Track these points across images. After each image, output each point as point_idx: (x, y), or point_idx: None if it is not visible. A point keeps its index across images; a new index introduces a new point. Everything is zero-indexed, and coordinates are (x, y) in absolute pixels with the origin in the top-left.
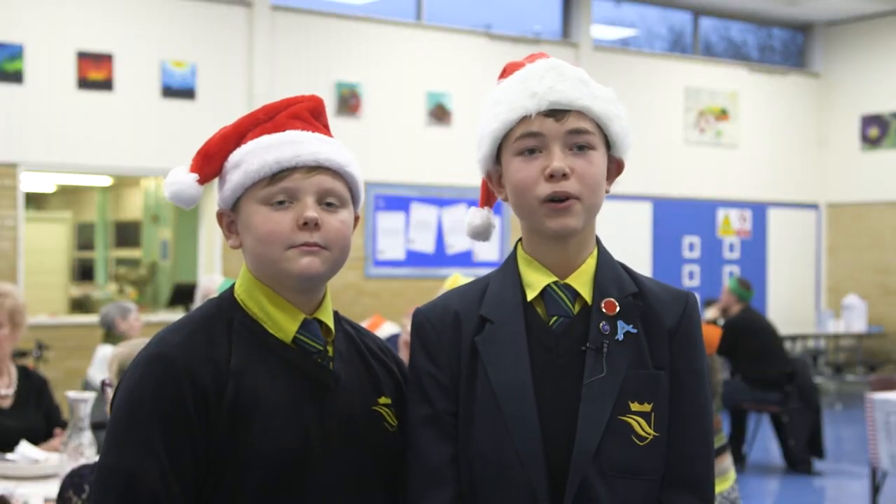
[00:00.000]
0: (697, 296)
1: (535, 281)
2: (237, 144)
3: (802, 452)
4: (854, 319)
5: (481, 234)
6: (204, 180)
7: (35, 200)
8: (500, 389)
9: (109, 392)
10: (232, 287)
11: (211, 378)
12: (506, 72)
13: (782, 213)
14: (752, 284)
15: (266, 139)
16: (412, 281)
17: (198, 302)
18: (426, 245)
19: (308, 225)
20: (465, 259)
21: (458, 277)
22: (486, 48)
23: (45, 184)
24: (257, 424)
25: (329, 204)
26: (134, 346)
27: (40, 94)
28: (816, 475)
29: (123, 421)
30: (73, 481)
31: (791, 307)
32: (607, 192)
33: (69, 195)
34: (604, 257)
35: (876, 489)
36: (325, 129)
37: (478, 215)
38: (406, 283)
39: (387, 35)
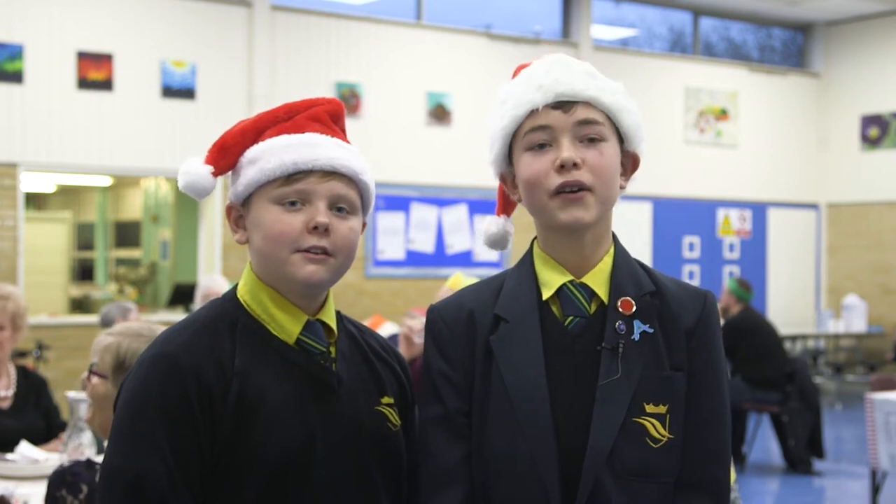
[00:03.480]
0: None
1: (551, 280)
2: (254, 140)
3: (802, 452)
4: (854, 319)
5: (498, 242)
6: (218, 173)
7: (35, 200)
8: (513, 389)
9: (95, 380)
10: (235, 287)
11: (215, 377)
12: (516, 73)
13: (782, 213)
14: (751, 284)
15: (284, 139)
16: (412, 281)
17: (198, 302)
18: (426, 245)
19: (318, 229)
20: (464, 259)
21: (459, 277)
22: (486, 48)
23: (45, 184)
24: (261, 424)
25: (340, 209)
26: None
27: (40, 94)
28: (816, 475)
29: (128, 420)
30: (65, 479)
31: (791, 307)
32: (623, 187)
33: (69, 195)
34: (621, 255)
35: (876, 489)
36: (342, 133)
37: (494, 224)
38: (406, 283)
39: (387, 35)
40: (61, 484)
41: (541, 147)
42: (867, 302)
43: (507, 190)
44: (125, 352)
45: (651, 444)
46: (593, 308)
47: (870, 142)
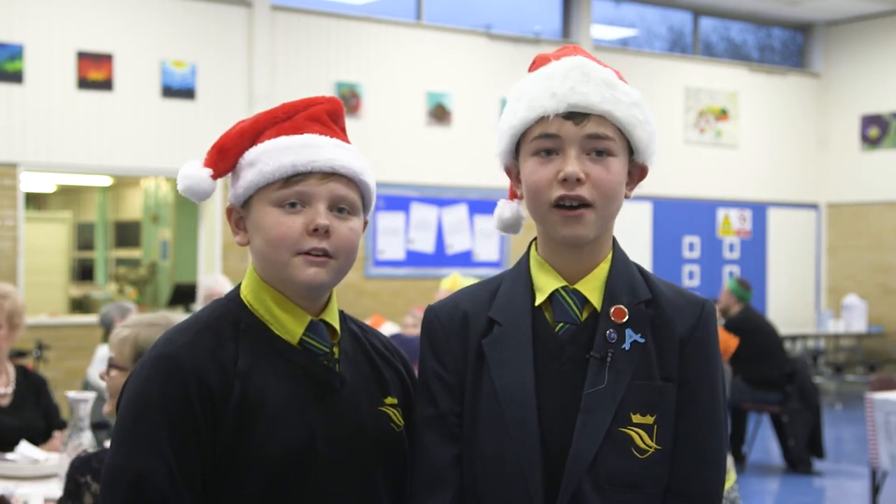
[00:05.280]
0: None
1: (545, 285)
2: (253, 142)
3: (802, 452)
4: (854, 319)
5: (511, 226)
6: (217, 175)
7: (35, 200)
8: (502, 393)
9: (114, 373)
10: (238, 287)
11: (217, 378)
12: (535, 64)
13: (782, 213)
14: (751, 284)
15: (283, 140)
16: (412, 281)
17: (200, 302)
18: (426, 245)
19: (318, 231)
20: (464, 259)
21: (457, 277)
22: (486, 48)
23: (45, 184)
24: (263, 425)
25: (340, 210)
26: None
27: (40, 94)
28: (816, 475)
29: (130, 421)
30: (91, 466)
31: (791, 307)
32: (628, 196)
33: (69, 195)
34: (618, 261)
35: (876, 489)
36: (342, 132)
37: (507, 208)
38: (406, 283)
39: (387, 35)
40: (87, 470)
41: (547, 154)
42: (867, 302)
43: (512, 182)
44: (143, 341)
45: (637, 454)
46: (585, 315)
47: (870, 142)
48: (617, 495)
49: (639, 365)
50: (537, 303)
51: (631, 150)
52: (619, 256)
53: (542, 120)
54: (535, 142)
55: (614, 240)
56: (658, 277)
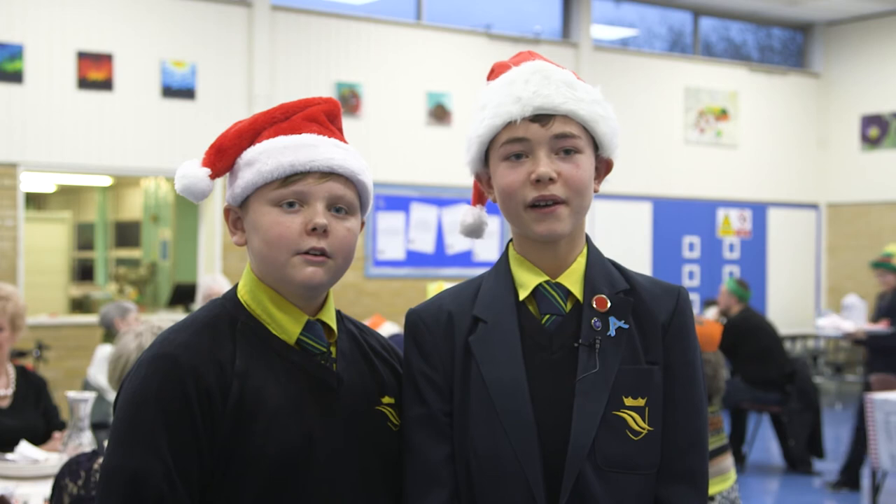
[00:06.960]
0: (697, 296)
1: (527, 280)
2: (251, 142)
3: (802, 452)
4: (854, 319)
5: (474, 231)
6: (216, 175)
7: (35, 200)
8: (494, 387)
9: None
10: (235, 288)
11: (215, 378)
12: (493, 72)
13: (782, 213)
14: (749, 284)
15: (282, 140)
16: (412, 281)
17: (199, 302)
18: (426, 245)
19: (316, 231)
20: (464, 259)
21: (442, 285)
22: (486, 48)
23: (45, 184)
24: (261, 425)
25: (338, 210)
26: (129, 344)
27: (40, 94)
28: (816, 475)
29: (128, 420)
30: (70, 468)
31: (791, 307)
32: (596, 191)
33: (69, 195)
34: (593, 255)
35: (876, 489)
36: (339, 132)
37: (470, 213)
38: (406, 283)
39: (387, 35)
40: (66, 473)
41: (517, 157)
42: (867, 302)
43: (483, 188)
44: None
45: (631, 436)
46: (569, 306)
47: (870, 142)
48: (616, 477)
49: (626, 350)
50: (521, 298)
51: (596, 146)
52: (593, 251)
53: (510, 125)
54: (504, 147)
55: (587, 236)
56: (631, 269)
